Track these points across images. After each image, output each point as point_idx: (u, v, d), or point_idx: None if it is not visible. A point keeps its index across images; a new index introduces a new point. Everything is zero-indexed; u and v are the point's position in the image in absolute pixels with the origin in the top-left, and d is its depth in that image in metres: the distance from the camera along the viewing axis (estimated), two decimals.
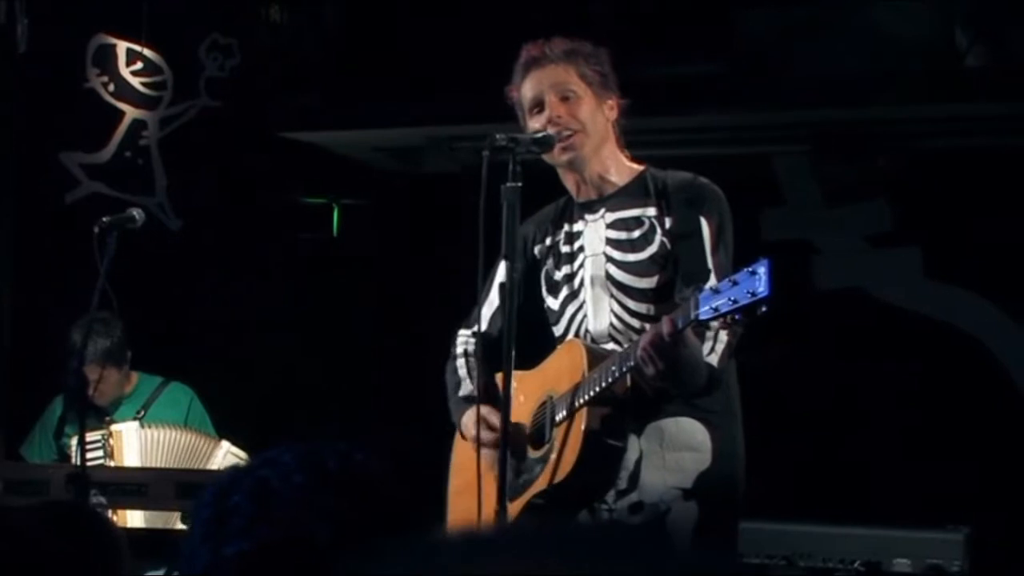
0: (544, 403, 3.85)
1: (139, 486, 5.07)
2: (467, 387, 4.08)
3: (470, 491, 3.88)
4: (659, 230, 3.86)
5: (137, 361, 6.33)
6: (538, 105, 3.93)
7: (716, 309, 3.37)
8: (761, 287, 3.27)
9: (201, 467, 5.76)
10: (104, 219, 4.90)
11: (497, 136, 3.69)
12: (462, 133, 7.17)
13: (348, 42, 7.50)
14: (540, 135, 3.77)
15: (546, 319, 4.06)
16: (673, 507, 3.77)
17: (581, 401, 3.74)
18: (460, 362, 4.15)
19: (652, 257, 3.85)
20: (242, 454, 5.94)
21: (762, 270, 3.29)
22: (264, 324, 7.70)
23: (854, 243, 7.06)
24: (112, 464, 5.76)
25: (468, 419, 3.98)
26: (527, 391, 3.85)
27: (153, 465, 5.73)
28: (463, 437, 4.06)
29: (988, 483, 6.43)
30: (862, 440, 6.74)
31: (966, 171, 6.82)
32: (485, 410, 3.87)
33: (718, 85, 6.62)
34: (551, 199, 4.17)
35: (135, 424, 6.00)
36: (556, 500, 3.72)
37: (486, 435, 3.87)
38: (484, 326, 4.05)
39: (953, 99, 6.44)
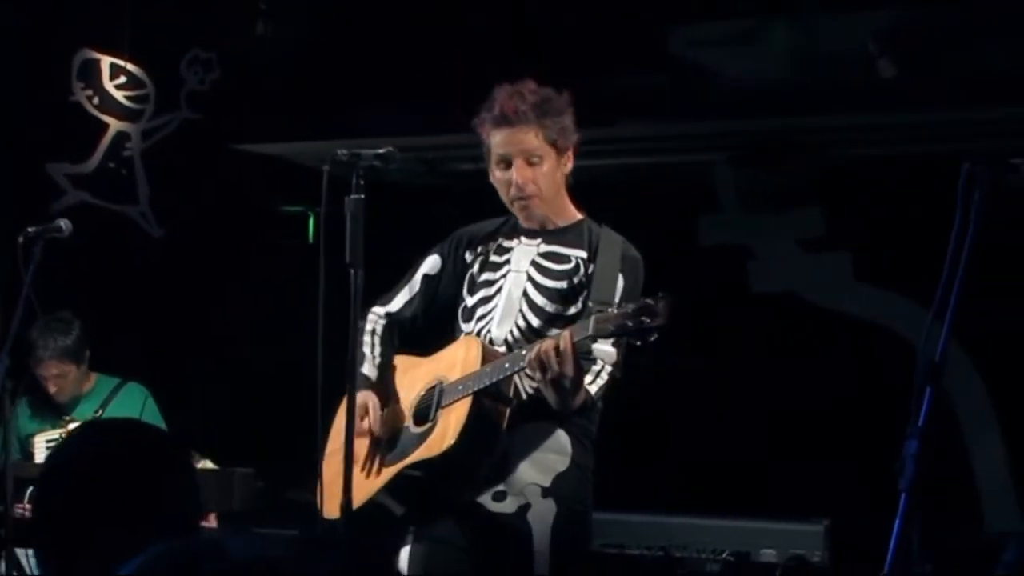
0: (433, 387, 4.22)
1: None
2: (368, 366, 4.42)
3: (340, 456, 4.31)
4: (582, 270, 4.23)
5: (116, 364, 6.66)
6: (505, 162, 4.27)
7: (612, 328, 3.80)
8: (658, 317, 3.70)
9: None
10: (29, 229, 5.12)
11: (339, 151, 3.95)
12: (425, 144, 7.40)
13: (321, 54, 7.74)
14: (382, 151, 4.00)
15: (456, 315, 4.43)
16: (533, 502, 4.13)
17: (470, 390, 4.10)
18: (367, 338, 4.47)
19: (568, 288, 4.23)
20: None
21: (660, 302, 3.71)
22: (246, 327, 7.97)
23: (788, 248, 7.28)
24: None
25: (360, 400, 4.31)
26: (419, 374, 4.23)
27: None
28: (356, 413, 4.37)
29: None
30: (777, 438, 6.94)
31: (891, 178, 6.99)
32: (373, 401, 4.31)
33: (653, 96, 6.85)
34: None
35: None
36: (431, 473, 4.11)
37: (366, 423, 4.30)
38: (396, 308, 4.49)
39: (871, 110, 6.64)
